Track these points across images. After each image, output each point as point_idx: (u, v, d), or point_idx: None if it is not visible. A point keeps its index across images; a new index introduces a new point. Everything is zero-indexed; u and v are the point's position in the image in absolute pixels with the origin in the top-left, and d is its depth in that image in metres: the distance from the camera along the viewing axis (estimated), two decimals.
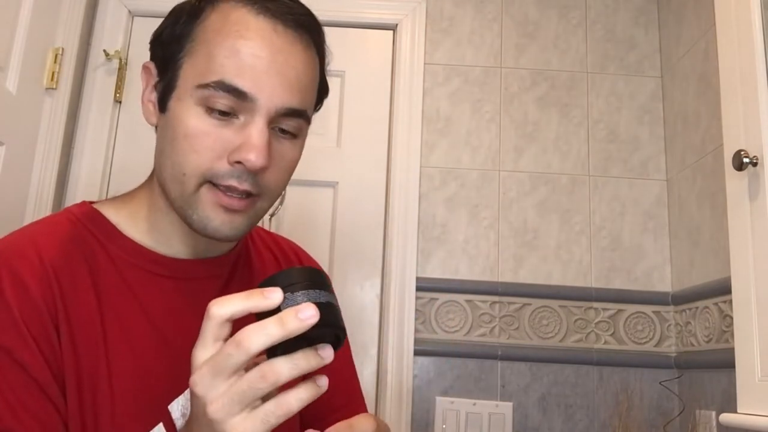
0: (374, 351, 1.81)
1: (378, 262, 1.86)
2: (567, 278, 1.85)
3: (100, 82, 1.93)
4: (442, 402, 1.76)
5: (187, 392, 0.69)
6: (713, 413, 1.55)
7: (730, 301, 1.38)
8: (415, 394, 1.77)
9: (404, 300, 1.81)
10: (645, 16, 2.04)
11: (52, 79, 1.74)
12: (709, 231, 1.65)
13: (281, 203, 1.82)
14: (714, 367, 1.58)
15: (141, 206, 0.76)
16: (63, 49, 1.77)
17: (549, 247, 1.87)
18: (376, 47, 2.01)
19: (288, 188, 1.82)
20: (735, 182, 1.34)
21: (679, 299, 1.79)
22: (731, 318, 1.39)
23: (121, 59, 1.93)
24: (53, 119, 1.76)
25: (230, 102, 0.66)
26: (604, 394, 1.78)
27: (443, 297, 1.83)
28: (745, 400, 1.27)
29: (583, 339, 1.81)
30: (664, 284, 1.85)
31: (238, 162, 0.66)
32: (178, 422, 0.68)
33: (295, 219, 1.87)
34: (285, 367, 0.49)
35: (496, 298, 1.83)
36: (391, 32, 2.02)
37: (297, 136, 0.71)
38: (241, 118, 0.67)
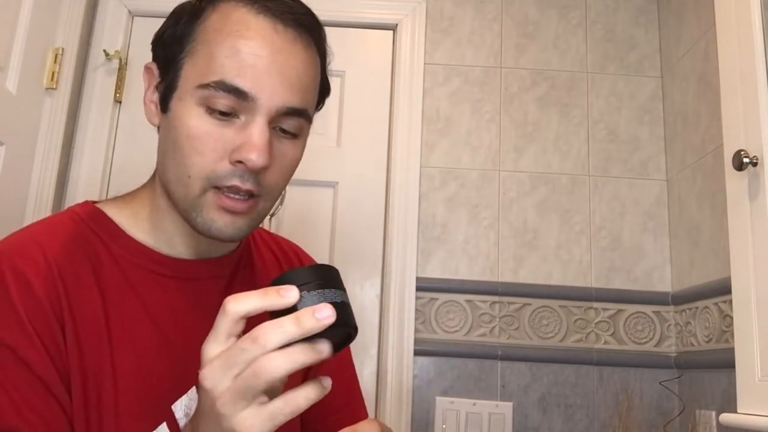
0: (374, 351, 1.81)
1: (378, 262, 1.86)
2: (567, 278, 1.85)
3: (100, 82, 1.93)
4: (442, 402, 1.76)
5: (190, 392, 0.70)
6: (713, 413, 1.55)
7: (730, 301, 1.38)
8: (415, 394, 1.77)
9: (404, 300, 1.81)
10: (645, 16, 2.04)
11: (52, 79, 1.74)
12: (709, 231, 1.65)
13: (281, 203, 1.82)
14: (714, 367, 1.58)
15: (143, 206, 0.76)
16: (63, 49, 1.77)
17: (549, 247, 1.87)
18: (376, 47, 2.01)
19: (288, 188, 1.82)
20: (735, 182, 1.34)
21: (679, 299, 1.79)
22: (731, 318, 1.39)
23: (121, 59, 1.93)
24: (53, 119, 1.76)
25: (231, 102, 0.66)
26: (604, 394, 1.78)
27: (443, 297, 1.83)
28: (745, 400, 1.27)
29: (583, 339, 1.81)
30: (664, 284, 1.85)
31: (240, 162, 0.66)
32: (182, 422, 0.69)
33: (295, 219, 1.87)
34: (282, 360, 0.49)
35: (496, 298, 1.83)
36: (391, 32, 2.02)
37: (298, 135, 0.72)
38: (242, 117, 0.67)
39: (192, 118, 0.67)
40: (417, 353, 1.78)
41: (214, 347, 0.52)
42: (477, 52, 2.01)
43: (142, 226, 0.75)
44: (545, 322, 1.82)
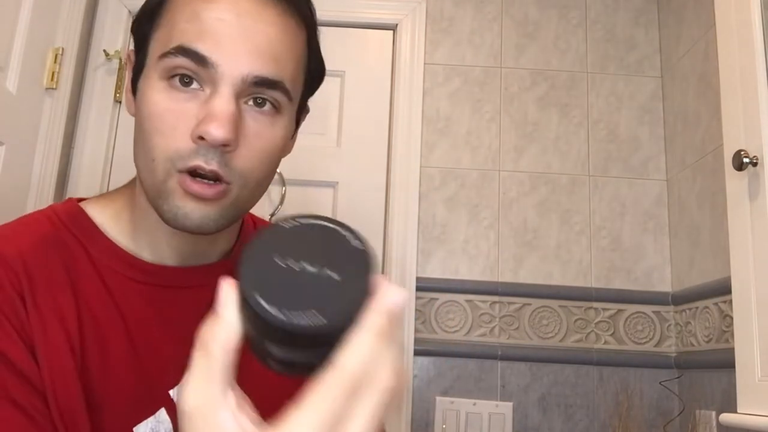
0: None
1: (378, 262, 1.86)
2: (567, 278, 1.85)
3: (100, 81, 1.93)
4: (442, 402, 1.76)
5: (159, 414, 0.64)
6: (713, 413, 1.55)
7: (730, 301, 1.38)
8: (415, 394, 1.77)
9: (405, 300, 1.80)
10: (645, 16, 2.04)
11: (52, 79, 1.73)
12: (709, 231, 1.65)
13: (281, 203, 1.82)
14: (714, 367, 1.58)
15: (125, 205, 0.70)
16: (63, 49, 1.77)
17: (549, 247, 1.87)
18: (376, 47, 2.01)
19: (288, 188, 1.84)
20: (735, 182, 1.34)
21: (679, 299, 1.79)
22: (731, 318, 1.39)
23: (121, 59, 1.93)
24: (53, 119, 1.76)
25: (190, 69, 0.59)
26: (604, 394, 1.78)
27: (443, 297, 1.83)
28: (745, 400, 1.27)
29: (583, 339, 1.81)
30: (664, 284, 1.85)
31: (201, 138, 0.59)
32: None
33: None
34: None
35: (496, 298, 1.83)
36: (391, 32, 2.02)
37: (277, 113, 0.63)
38: (206, 90, 0.60)
39: (155, 92, 0.61)
40: (417, 353, 1.78)
41: None
42: (477, 52, 2.01)
43: (123, 227, 0.69)
44: (545, 322, 1.82)
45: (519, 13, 2.04)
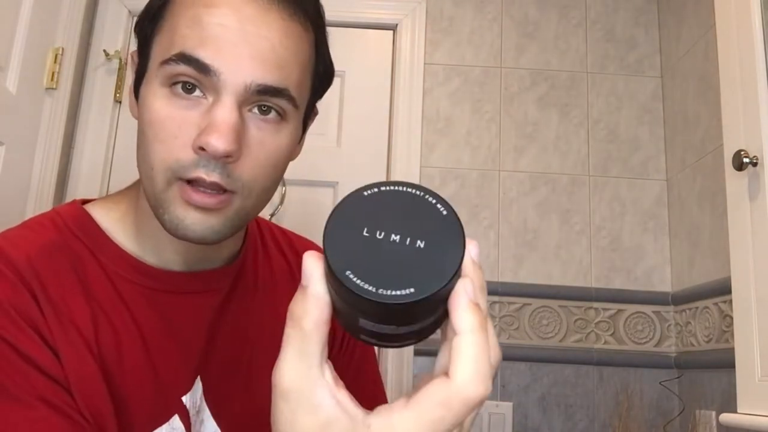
0: (374, 351, 1.80)
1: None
2: (567, 278, 1.85)
3: (100, 82, 1.93)
4: None
5: (173, 420, 0.63)
6: (713, 413, 1.55)
7: (730, 301, 1.38)
8: None
9: None
10: (645, 16, 2.04)
11: (52, 79, 1.73)
12: (709, 231, 1.65)
13: (281, 203, 1.82)
14: (714, 367, 1.58)
15: (129, 208, 0.69)
16: (63, 49, 1.77)
17: (549, 247, 1.87)
18: (376, 47, 2.01)
19: (288, 188, 1.83)
20: (735, 182, 1.34)
21: (679, 299, 1.79)
22: (731, 318, 1.39)
23: (121, 59, 1.93)
24: (53, 119, 1.76)
25: (193, 77, 0.57)
26: (604, 394, 1.78)
27: None
28: (745, 400, 1.27)
29: (583, 339, 1.81)
30: (664, 284, 1.85)
31: (202, 148, 0.56)
32: None
33: (295, 219, 1.86)
34: None
35: (496, 298, 1.83)
36: (391, 32, 2.02)
37: (282, 120, 0.61)
38: (209, 98, 0.58)
39: (156, 99, 0.59)
40: (417, 353, 1.78)
41: None
42: (477, 52, 2.01)
43: (129, 231, 0.67)
44: (545, 322, 1.82)
45: (519, 13, 2.04)
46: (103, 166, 1.87)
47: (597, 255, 1.87)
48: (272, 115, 0.60)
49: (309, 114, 0.68)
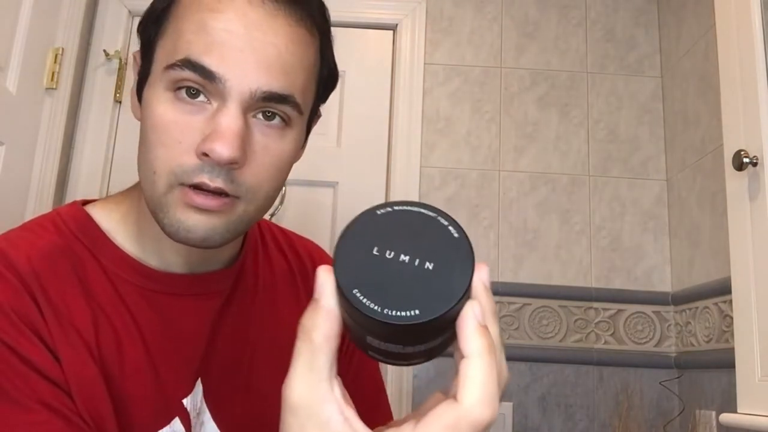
0: None
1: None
2: (567, 278, 1.85)
3: (100, 82, 1.93)
4: None
5: (174, 423, 0.64)
6: (713, 413, 1.55)
7: (730, 301, 1.38)
8: (415, 394, 1.77)
9: None
10: (645, 16, 2.04)
11: (52, 79, 1.73)
12: (709, 231, 1.65)
13: (281, 203, 1.82)
14: (714, 367, 1.58)
15: (130, 209, 0.68)
16: (63, 49, 1.77)
17: (549, 247, 1.87)
18: (376, 47, 2.01)
19: (288, 188, 1.83)
20: (735, 182, 1.34)
21: (679, 299, 1.79)
22: (731, 318, 1.39)
23: (121, 59, 1.93)
24: (53, 119, 1.76)
25: (198, 83, 0.57)
26: (604, 394, 1.78)
27: None
28: (745, 400, 1.27)
29: (583, 339, 1.81)
30: (664, 284, 1.85)
31: (206, 154, 0.56)
32: None
33: (295, 219, 1.86)
34: None
35: (496, 298, 1.82)
36: (391, 32, 2.02)
37: (287, 126, 0.61)
38: (213, 103, 0.58)
39: (160, 104, 0.58)
40: None
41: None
42: (477, 52, 2.01)
43: (130, 233, 0.67)
44: (545, 322, 1.82)
45: (519, 13, 2.04)
46: (103, 166, 1.87)
47: (597, 255, 1.87)
48: (276, 120, 0.60)
49: (312, 117, 0.68)
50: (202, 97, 0.58)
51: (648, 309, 1.83)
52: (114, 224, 0.67)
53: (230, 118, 0.56)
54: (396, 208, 0.37)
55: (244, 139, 0.57)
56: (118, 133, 1.93)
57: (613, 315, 1.83)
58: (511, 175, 1.92)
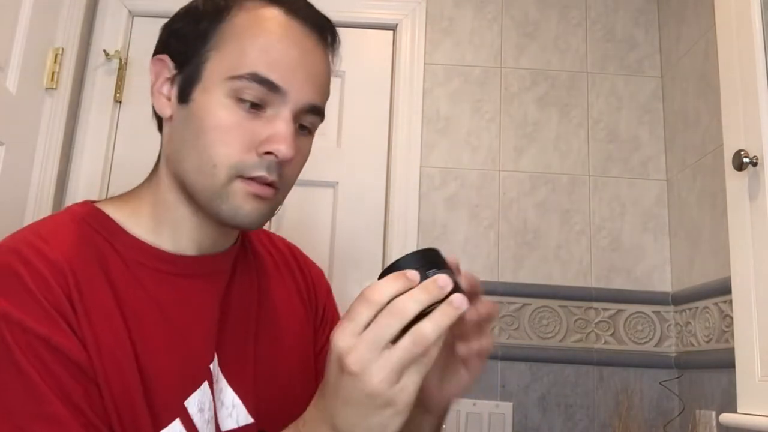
0: None
1: (378, 262, 1.86)
2: (567, 278, 1.85)
3: (100, 82, 1.93)
4: None
5: (203, 386, 0.71)
6: (713, 413, 1.55)
7: (730, 301, 1.38)
8: None
9: None
10: (645, 16, 2.04)
11: (52, 79, 1.73)
12: (709, 231, 1.65)
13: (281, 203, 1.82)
14: (714, 367, 1.58)
15: (143, 204, 0.76)
16: (63, 49, 1.77)
17: (549, 247, 1.87)
18: (376, 47, 2.01)
19: None
20: (735, 182, 1.34)
21: (679, 299, 1.79)
22: (731, 318, 1.39)
23: (121, 59, 1.93)
24: (53, 119, 1.76)
25: (260, 94, 0.69)
26: (604, 394, 1.78)
27: None
28: (745, 400, 1.27)
29: (583, 339, 1.81)
30: (664, 284, 1.85)
31: (268, 153, 0.69)
32: (195, 417, 0.70)
33: (295, 219, 1.86)
34: (429, 327, 0.52)
35: (496, 298, 1.83)
36: (391, 32, 2.02)
37: (310, 133, 0.76)
38: (269, 111, 0.70)
39: (221, 109, 0.69)
40: None
41: (350, 336, 0.53)
42: (477, 52, 2.01)
43: (144, 223, 0.75)
44: (545, 322, 1.82)
45: (519, 13, 2.04)
46: (103, 166, 1.87)
47: (597, 255, 1.87)
48: (306, 129, 0.75)
49: None
50: (259, 106, 0.70)
51: (648, 309, 1.83)
52: (125, 216, 0.75)
53: (288, 124, 0.70)
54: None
55: (296, 141, 0.71)
56: (118, 133, 1.92)
57: (613, 315, 1.83)
58: (511, 175, 1.92)
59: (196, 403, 0.70)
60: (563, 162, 1.93)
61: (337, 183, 1.91)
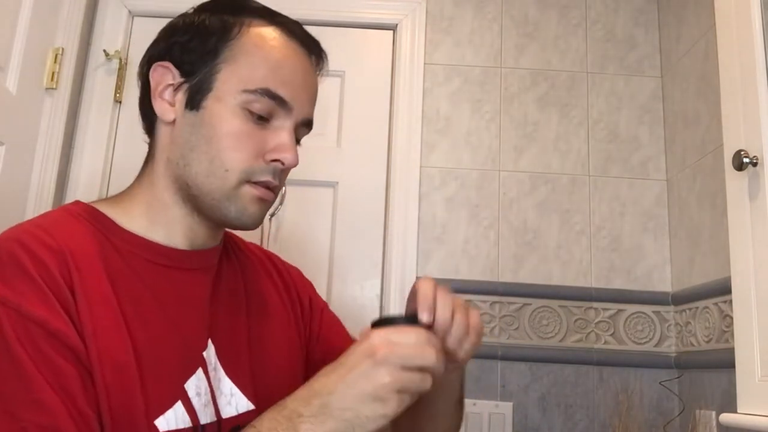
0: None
1: (378, 262, 1.86)
2: (567, 278, 1.85)
3: (100, 82, 1.93)
4: None
5: (198, 372, 0.75)
6: (713, 413, 1.55)
7: (730, 301, 1.38)
8: None
9: (404, 300, 1.80)
10: (645, 16, 2.04)
11: (52, 79, 1.73)
12: (709, 231, 1.65)
13: (281, 203, 1.82)
14: (714, 367, 1.58)
15: (136, 203, 0.80)
16: (63, 49, 1.77)
17: (549, 247, 1.87)
18: (376, 47, 2.01)
19: (288, 188, 1.84)
20: (735, 182, 1.34)
21: (679, 299, 1.79)
22: (731, 318, 1.39)
23: (121, 59, 1.93)
24: (53, 119, 1.76)
25: (269, 107, 0.77)
26: (604, 394, 1.78)
27: None
28: (745, 400, 1.27)
29: (583, 339, 1.81)
30: (664, 284, 1.85)
31: (275, 160, 0.78)
32: (194, 400, 0.73)
33: (295, 219, 1.87)
34: (429, 382, 0.66)
35: (496, 298, 1.83)
36: (391, 32, 2.02)
37: (299, 142, 0.83)
38: (274, 122, 0.79)
39: (235, 118, 0.77)
40: None
41: (392, 341, 0.64)
42: (477, 52, 2.01)
43: (137, 221, 0.79)
44: (545, 322, 1.82)
45: (519, 13, 2.04)
46: (103, 166, 1.87)
47: (597, 255, 1.87)
48: (299, 139, 0.83)
49: None
50: (266, 117, 0.78)
51: (648, 309, 1.83)
52: (118, 214, 0.79)
53: (291, 135, 0.79)
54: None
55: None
56: (118, 133, 1.92)
57: (613, 315, 1.83)
58: (511, 175, 1.92)
59: (194, 387, 0.74)
60: (563, 162, 1.93)
61: (337, 183, 1.90)
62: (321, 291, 1.87)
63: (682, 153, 1.84)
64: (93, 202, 0.81)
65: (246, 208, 0.78)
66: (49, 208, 1.72)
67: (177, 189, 0.79)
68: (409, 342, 0.64)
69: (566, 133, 1.96)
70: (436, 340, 0.66)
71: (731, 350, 1.35)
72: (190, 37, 0.79)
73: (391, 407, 0.62)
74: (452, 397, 0.87)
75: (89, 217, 0.77)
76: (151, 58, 0.82)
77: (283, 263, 1.01)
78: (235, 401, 0.79)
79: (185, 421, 0.72)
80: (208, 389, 0.76)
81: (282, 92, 0.77)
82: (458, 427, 0.91)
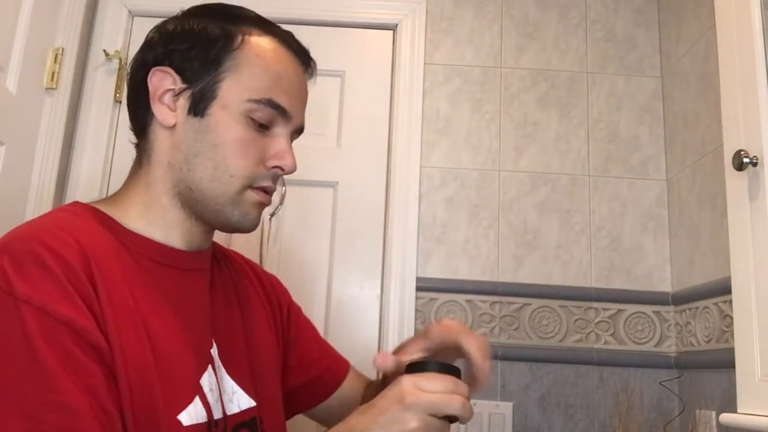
0: (374, 351, 1.80)
1: (378, 262, 1.86)
2: (567, 278, 1.85)
3: (100, 82, 1.93)
4: None
5: (209, 368, 0.78)
6: (713, 413, 1.55)
7: (730, 301, 1.38)
8: None
9: (404, 300, 1.81)
10: (645, 16, 2.04)
11: (52, 79, 1.73)
12: (709, 231, 1.65)
13: (281, 203, 1.82)
14: (714, 367, 1.58)
15: (133, 204, 0.81)
16: (63, 49, 1.77)
17: (549, 247, 1.87)
18: (376, 47, 2.01)
19: (288, 188, 1.83)
20: (735, 182, 1.34)
21: (679, 299, 1.79)
22: (731, 318, 1.39)
23: (121, 59, 1.93)
24: (53, 119, 1.76)
25: (270, 116, 0.81)
26: (604, 394, 1.78)
27: (443, 297, 1.83)
28: (745, 400, 1.27)
29: (583, 339, 1.81)
30: (664, 284, 1.85)
31: (275, 167, 0.82)
32: (208, 395, 0.76)
33: (295, 219, 1.86)
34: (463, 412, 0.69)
35: (496, 298, 1.83)
36: (391, 32, 2.02)
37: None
38: (273, 130, 0.82)
39: (239, 126, 0.79)
40: None
41: (422, 389, 0.67)
42: (477, 52, 2.01)
43: (136, 222, 0.80)
44: (545, 322, 1.82)
45: (519, 13, 2.04)
46: (103, 166, 1.87)
47: (597, 255, 1.87)
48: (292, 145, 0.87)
49: None
50: (266, 125, 0.81)
51: (648, 309, 1.83)
52: (117, 215, 0.80)
53: (289, 142, 0.84)
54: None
55: None
56: (118, 133, 1.93)
57: (613, 315, 1.83)
58: (511, 175, 1.92)
59: (207, 383, 0.76)
60: (563, 162, 1.93)
61: (337, 183, 1.90)
62: (321, 291, 1.88)
63: (682, 153, 1.84)
64: (90, 203, 0.81)
65: (248, 213, 0.81)
66: (49, 208, 1.72)
67: (176, 193, 0.80)
68: (436, 389, 0.67)
69: (566, 133, 1.96)
70: (464, 388, 0.69)
71: (731, 350, 1.35)
72: (190, 44, 0.80)
73: None
74: None
75: (94, 217, 0.77)
76: (146, 61, 0.82)
77: (263, 270, 1.03)
78: (237, 398, 0.82)
79: (202, 416, 0.74)
80: (217, 386, 0.78)
81: (282, 102, 0.81)
82: None
